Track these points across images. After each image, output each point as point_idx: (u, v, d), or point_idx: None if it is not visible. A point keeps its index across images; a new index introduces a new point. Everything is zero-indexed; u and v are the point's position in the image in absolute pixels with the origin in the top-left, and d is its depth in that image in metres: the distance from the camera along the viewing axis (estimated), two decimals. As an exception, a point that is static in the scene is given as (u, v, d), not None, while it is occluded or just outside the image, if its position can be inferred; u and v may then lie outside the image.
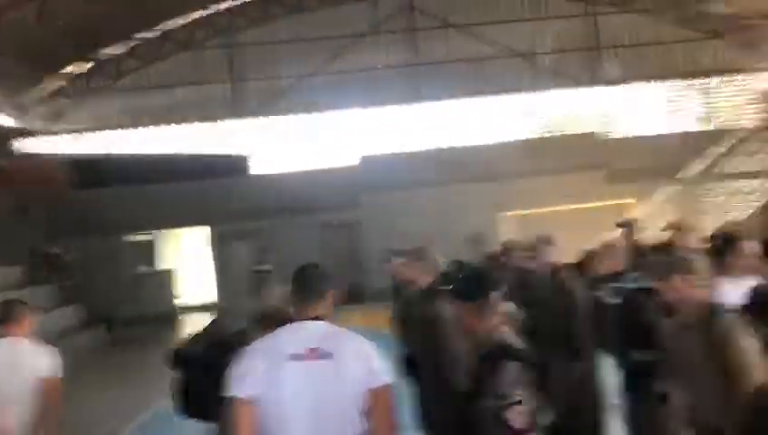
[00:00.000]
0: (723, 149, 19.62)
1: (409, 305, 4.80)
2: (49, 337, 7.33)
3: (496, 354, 2.68)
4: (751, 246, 4.34)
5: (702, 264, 3.51)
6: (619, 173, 18.64)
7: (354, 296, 16.06)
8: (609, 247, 5.13)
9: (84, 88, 20.81)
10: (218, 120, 21.44)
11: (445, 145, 21.31)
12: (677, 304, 3.57)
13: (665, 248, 6.49)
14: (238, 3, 20.97)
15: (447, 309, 4.24)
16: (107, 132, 21.36)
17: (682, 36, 21.54)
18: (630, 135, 21.38)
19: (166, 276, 19.57)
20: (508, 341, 2.79)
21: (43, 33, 16.15)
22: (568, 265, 5.87)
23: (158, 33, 20.84)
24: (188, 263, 21.45)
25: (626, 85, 22.07)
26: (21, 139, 19.89)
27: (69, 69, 20.36)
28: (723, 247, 4.46)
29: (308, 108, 21.39)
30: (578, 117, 22.35)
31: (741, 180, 19.61)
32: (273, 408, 2.71)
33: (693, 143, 19.83)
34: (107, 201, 18.37)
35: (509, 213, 18.44)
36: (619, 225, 7.85)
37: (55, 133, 20.97)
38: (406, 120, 21.90)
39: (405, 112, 21.91)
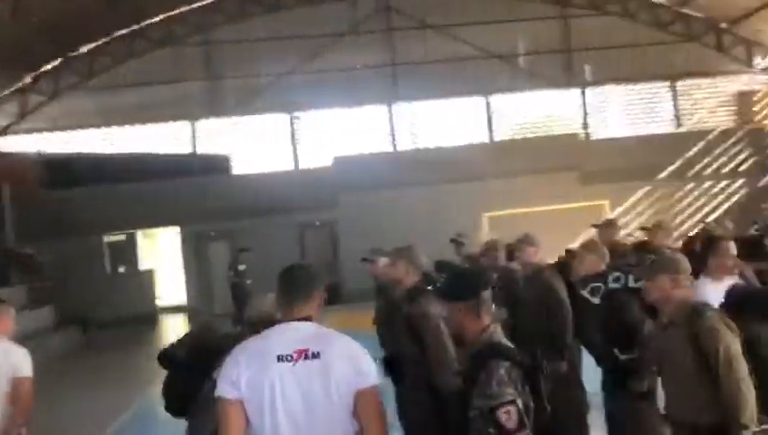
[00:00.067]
0: (695, 151, 19.90)
1: (393, 305, 4.80)
2: (21, 339, 7.23)
3: (487, 354, 2.69)
4: (730, 247, 4.42)
5: (687, 264, 3.57)
6: (594, 174, 18.83)
7: (332, 297, 16.01)
8: (590, 247, 5.17)
9: (56, 85, 20.50)
10: (195, 119, 21.27)
11: (422, 145, 21.42)
12: (661, 303, 3.63)
13: (643, 248, 6.62)
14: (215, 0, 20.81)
15: (434, 308, 4.26)
16: (80, 131, 21.07)
17: (655, 39, 21.83)
18: (605, 137, 21.66)
19: (145, 277, 19.33)
20: (499, 340, 2.80)
21: (17, 31, 15.89)
22: (550, 265, 5.93)
23: (132, 31, 20.59)
24: (168, 263, 21.24)
25: (600, 87, 22.33)
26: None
27: (40, 66, 20.07)
28: (704, 248, 4.54)
29: (286, 107, 21.32)
30: (554, 118, 22.57)
31: (714, 181, 19.90)
32: (262, 409, 2.69)
33: (666, 145, 20.09)
34: (81, 201, 18.10)
35: (485, 214, 18.54)
36: (596, 225, 7.96)
37: (26, 132, 20.66)
38: (384, 121, 21.93)
39: (383, 112, 21.94)
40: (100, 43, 20.45)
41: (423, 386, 4.19)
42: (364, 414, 2.73)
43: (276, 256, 16.94)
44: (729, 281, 4.22)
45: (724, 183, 19.86)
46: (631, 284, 4.36)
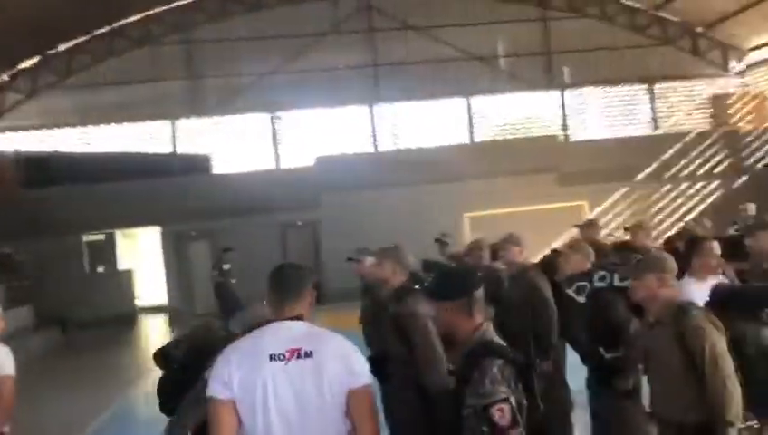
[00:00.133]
0: (672, 153, 20.15)
1: (380, 305, 4.81)
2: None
3: (480, 352, 2.71)
4: (714, 247, 4.49)
5: (674, 263, 3.63)
6: (573, 175, 18.99)
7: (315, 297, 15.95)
8: (576, 246, 5.22)
9: (33, 84, 20.24)
10: (175, 119, 21.12)
11: (403, 146, 21.47)
12: (647, 302, 3.68)
13: (625, 248, 6.70)
14: (196, -2, 20.70)
15: (422, 308, 4.28)
16: (58, 130, 20.83)
17: (633, 42, 22.09)
18: (584, 138, 21.86)
19: (124, 277, 19.14)
20: (491, 338, 2.82)
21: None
22: (534, 265, 5.98)
23: (111, 29, 20.39)
24: (148, 263, 21.06)
25: (579, 89, 22.54)
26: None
27: (18, 64, 19.82)
28: (687, 248, 4.61)
29: (267, 107, 21.24)
30: (533, 120, 22.74)
31: (690, 183, 20.16)
32: (254, 408, 2.68)
33: (643, 147, 20.32)
34: (59, 200, 17.87)
35: (466, 214, 18.62)
36: (578, 225, 8.04)
37: (4, 130, 20.39)
38: (365, 121, 21.95)
39: (364, 113, 21.95)
40: (79, 41, 20.25)
41: (411, 385, 4.21)
42: (357, 413, 2.74)
43: (258, 256, 16.92)
44: (713, 281, 4.29)
45: (699, 184, 20.12)
46: (617, 283, 4.41)
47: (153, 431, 4.14)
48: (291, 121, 21.77)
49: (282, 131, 21.74)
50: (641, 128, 22.74)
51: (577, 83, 22.33)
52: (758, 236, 5.16)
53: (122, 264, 19.89)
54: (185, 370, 3.38)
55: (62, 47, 20.18)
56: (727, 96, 22.41)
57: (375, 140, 21.88)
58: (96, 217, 18.10)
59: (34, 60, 20.11)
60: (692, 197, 20.03)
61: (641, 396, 4.51)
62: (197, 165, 20.03)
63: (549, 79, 22.22)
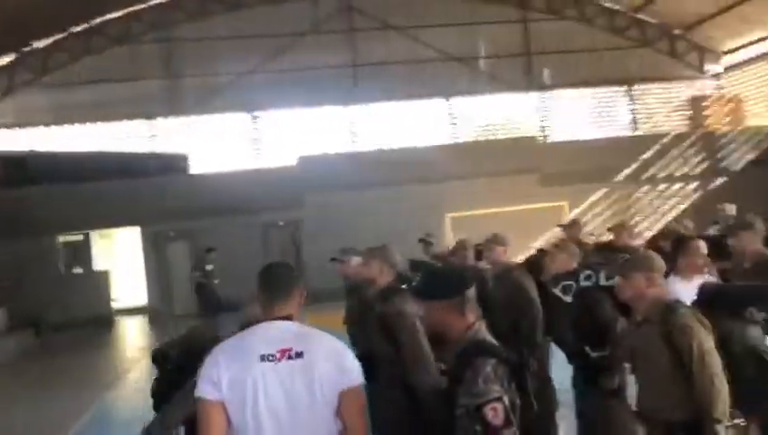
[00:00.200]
0: (651, 154, 20.34)
1: (366, 305, 4.77)
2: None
3: (472, 351, 2.69)
4: (701, 246, 4.51)
5: (661, 262, 3.63)
6: (553, 176, 19.09)
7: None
8: (562, 246, 5.23)
9: (9, 81, 19.94)
10: (153, 118, 20.92)
11: (384, 146, 21.44)
12: (635, 301, 3.69)
13: (608, 248, 6.74)
14: (175, -4, 20.52)
15: (409, 307, 4.25)
16: (34, 129, 20.54)
17: (612, 44, 22.28)
18: (564, 139, 22.00)
19: (101, 278, 18.88)
20: (484, 337, 2.80)
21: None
22: (519, 264, 5.98)
23: (89, 27, 20.14)
24: (125, 264, 20.82)
25: (558, 91, 22.69)
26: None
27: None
28: (674, 248, 4.62)
29: (246, 106, 21.12)
30: (514, 121, 22.84)
31: (668, 184, 20.35)
32: (244, 409, 2.65)
33: (623, 148, 20.49)
34: (34, 200, 17.58)
35: (448, 214, 18.63)
36: (561, 225, 8.08)
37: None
38: (345, 121, 21.91)
39: (344, 113, 21.91)
40: (56, 38, 19.99)
41: (398, 385, 4.17)
42: (348, 413, 2.72)
43: (239, 257, 16.85)
44: (699, 280, 4.31)
45: (678, 185, 20.33)
46: (602, 282, 4.42)
47: (133, 434, 4.09)
48: (270, 121, 21.67)
49: (261, 131, 21.63)
50: (620, 129, 22.94)
51: (556, 85, 22.48)
52: (740, 235, 5.19)
53: (99, 265, 19.63)
54: (179, 371, 3.33)
55: (38, 45, 19.91)
56: (704, 98, 22.70)
57: (356, 141, 21.84)
58: (73, 218, 17.86)
59: (10, 57, 19.81)
60: (670, 197, 20.23)
61: (627, 395, 4.53)
62: (176, 165, 19.82)
63: (529, 80, 22.36)
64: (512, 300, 5.40)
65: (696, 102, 22.74)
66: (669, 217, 18.98)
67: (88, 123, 20.75)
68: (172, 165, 19.55)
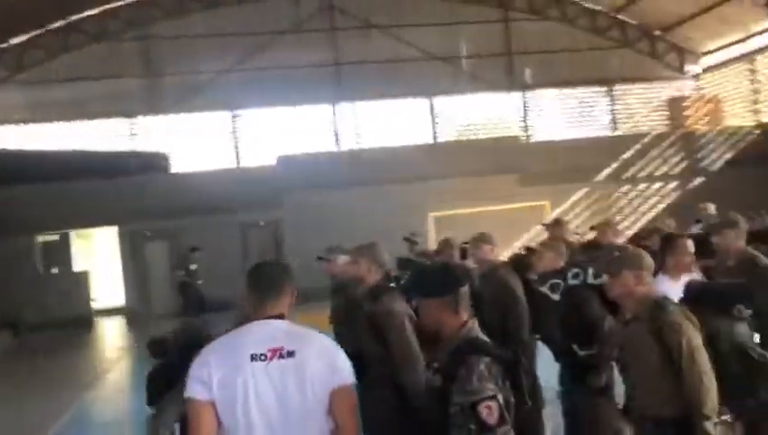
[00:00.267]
0: (631, 154, 20.50)
1: (354, 304, 4.74)
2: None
3: (466, 349, 2.67)
4: (689, 245, 4.53)
5: (650, 260, 3.64)
6: (534, 176, 19.17)
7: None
8: (549, 244, 5.23)
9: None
10: (132, 116, 20.71)
11: (366, 145, 21.42)
12: (624, 298, 3.69)
13: (592, 247, 6.76)
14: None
15: (398, 306, 4.23)
16: (8, 126, 20.22)
17: (593, 44, 22.44)
18: (545, 139, 22.13)
19: (80, 278, 18.63)
20: (477, 335, 2.78)
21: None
22: (505, 263, 5.98)
23: (66, 24, 19.89)
24: (104, 264, 20.59)
25: (540, 90, 22.80)
26: None
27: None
28: (662, 246, 4.64)
29: (227, 105, 20.97)
30: (495, 121, 22.92)
31: (648, 183, 20.53)
32: (235, 409, 2.62)
33: (603, 148, 20.64)
34: (11, 199, 17.30)
35: (431, 214, 18.62)
36: (545, 224, 8.09)
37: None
38: (327, 120, 21.84)
39: (326, 112, 21.84)
40: (31, 35, 19.71)
41: (387, 384, 4.16)
42: (339, 412, 2.71)
43: (219, 256, 16.77)
44: (686, 278, 4.33)
45: (657, 185, 20.51)
46: (590, 280, 4.42)
47: (112, 434, 4.02)
48: (251, 120, 21.54)
49: (242, 130, 21.50)
50: (600, 129, 23.11)
51: (538, 84, 22.59)
52: (724, 234, 5.23)
53: (78, 265, 19.39)
54: (177, 364, 3.24)
55: (13, 41, 19.62)
56: (683, 98, 22.93)
57: (337, 140, 21.79)
58: (50, 217, 17.62)
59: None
60: (650, 197, 20.41)
61: (614, 393, 4.54)
62: (155, 164, 19.64)
63: (510, 80, 22.44)
64: (498, 298, 5.40)
65: (675, 103, 22.96)
66: (649, 216, 19.16)
67: (65, 121, 20.49)
68: (152, 164, 19.37)
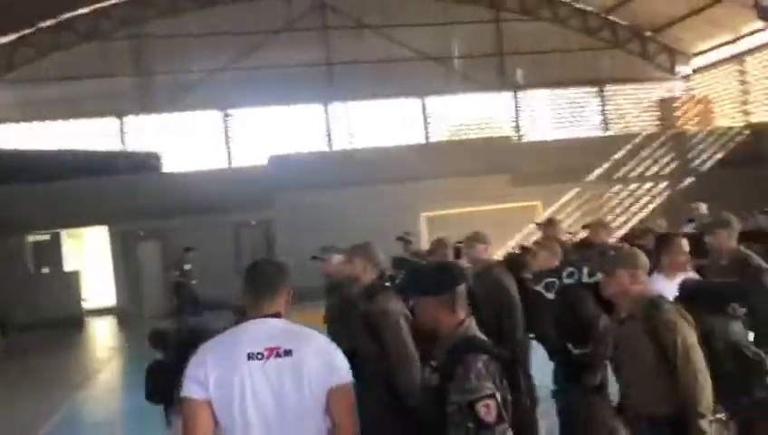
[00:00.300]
0: (622, 154, 20.57)
1: (349, 303, 4.74)
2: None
3: (464, 348, 2.67)
4: (684, 244, 4.54)
5: (645, 259, 3.65)
6: (526, 176, 19.21)
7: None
8: (544, 243, 5.24)
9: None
10: (124, 115, 20.62)
11: (358, 145, 21.42)
12: (619, 297, 3.69)
13: (585, 246, 6.77)
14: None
15: (393, 305, 4.22)
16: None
17: (584, 45, 22.51)
18: (536, 139, 22.19)
19: (71, 278, 18.52)
20: (474, 334, 2.78)
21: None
22: (499, 262, 5.99)
23: (58, 22, 19.77)
24: (95, 264, 20.47)
25: (531, 91, 22.85)
26: None
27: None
28: (657, 245, 4.65)
29: (219, 104, 20.91)
30: (487, 121, 22.96)
31: (639, 183, 20.60)
32: (231, 408, 2.60)
33: (594, 148, 20.71)
34: (2, 199, 17.19)
35: (423, 214, 18.62)
36: (538, 224, 8.10)
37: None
38: (319, 120, 21.82)
39: (318, 111, 21.82)
40: (22, 33, 19.59)
41: (382, 383, 4.15)
42: (336, 411, 2.70)
43: (211, 256, 16.70)
44: (682, 277, 4.34)
45: (648, 185, 20.59)
46: (585, 279, 4.43)
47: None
48: (243, 119, 21.50)
49: (234, 129, 21.45)
50: (592, 129, 23.19)
51: (529, 85, 22.64)
52: (717, 233, 5.24)
53: (69, 265, 19.28)
54: (178, 360, 3.18)
55: (4, 39, 19.48)
56: (674, 99, 23.03)
57: (329, 139, 21.77)
58: (41, 217, 17.51)
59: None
60: (641, 197, 20.49)
61: (608, 392, 4.55)
62: (147, 163, 19.58)
63: (502, 80, 22.48)
64: (492, 298, 5.40)
65: (666, 103, 23.06)
66: (640, 216, 19.24)
67: (56, 121, 20.38)
68: (144, 163, 19.30)
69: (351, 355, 4.52)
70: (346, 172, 18.48)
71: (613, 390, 4.55)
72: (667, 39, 22.85)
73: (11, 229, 17.34)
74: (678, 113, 22.47)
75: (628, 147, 20.70)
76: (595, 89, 23.26)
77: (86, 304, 19.10)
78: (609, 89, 23.26)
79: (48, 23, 19.72)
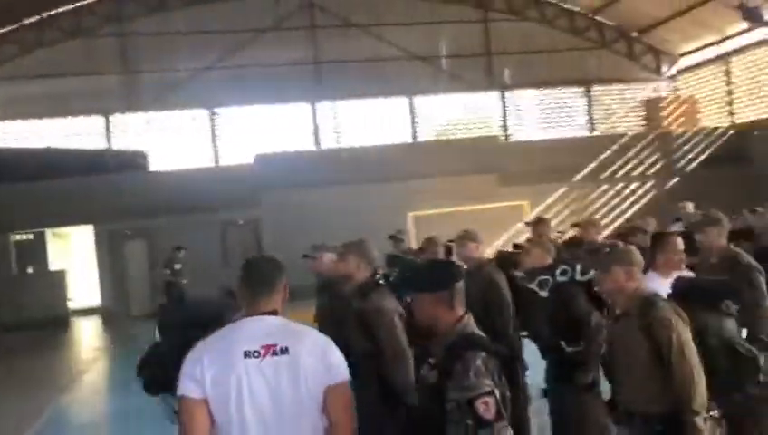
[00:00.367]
0: (608, 154, 20.66)
1: (343, 301, 4.72)
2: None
3: (462, 345, 2.65)
4: (679, 243, 4.55)
5: (640, 256, 3.65)
6: (513, 176, 19.26)
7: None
8: (537, 241, 5.24)
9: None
10: (110, 114, 20.46)
11: (345, 144, 21.39)
12: (614, 294, 3.69)
13: (574, 244, 6.79)
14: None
15: (387, 303, 4.21)
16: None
17: (571, 45, 22.61)
18: (524, 139, 22.26)
19: (56, 278, 18.34)
20: (473, 331, 2.77)
21: None
22: (490, 260, 5.99)
23: (41, 18, 19.58)
24: (82, 263, 20.28)
25: (519, 90, 22.92)
26: None
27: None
28: (652, 244, 4.66)
29: (206, 103, 20.80)
30: (474, 120, 23.00)
31: (625, 183, 20.71)
32: (228, 406, 2.58)
33: (581, 148, 20.79)
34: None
35: (410, 213, 18.61)
36: (528, 223, 8.11)
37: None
38: (306, 118, 21.76)
39: (305, 110, 21.76)
40: (5, 30, 19.37)
41: (376, 381, 4.14)
42: (334, 409, 2.68)
43: (198, 255, 16.58)
44: (676, 275, 4.35)
45: (635, 185, 20.70)
46: (578, 277, 4.44)
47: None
48: (230, 118, 21.40)
49: (221, 128, 21.35)
50: (578, 129, 23.29)
51: (517, 85, 22.70)
52: (707, 231, 5.25)
53: (55, 264, 19.10)
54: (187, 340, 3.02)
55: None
56: (660, 99, 23.18)
57: (317, 138, 21.72)
58: (25, 216, 17.32)
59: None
60: (627, 197, 20.60)
61: (601, 390, 4.56)
62: (133, 162, 19.43)
63: (489, 80, 22.53)
64: (484, 295, 5.39)
65: (651, 103, 23.20)
66: (626, 215, 19.34)
67: (41, 119, 20.18)
68: (130, 162, 19.15)
69: (345, 354, 4.52)
70: (333, 171, 18.44)
71: (605, 388, 4.57)
72: (653, 40, 22.99)
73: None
74: (664, 113, 22.61)
75: (615, 147, 20.80)
76: (582, 89, 23.37)
77: (72, 304, 18.92)
78: (596, 89, 23.38)
79: (31, 19, 19.50)
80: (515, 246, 6.30)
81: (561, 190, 20.12)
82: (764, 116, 20.60)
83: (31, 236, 18.67)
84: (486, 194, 18.85)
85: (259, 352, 2.61)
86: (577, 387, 4.46)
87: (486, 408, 2.51)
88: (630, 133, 21.88)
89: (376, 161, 18.79)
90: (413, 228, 18.04)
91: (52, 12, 19.62)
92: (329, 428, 2.69)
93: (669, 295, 3.88)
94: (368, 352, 4.16)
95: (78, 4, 19.77)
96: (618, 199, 20.50)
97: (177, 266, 14.90)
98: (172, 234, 16.96)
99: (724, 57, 21.74)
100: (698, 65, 22.77)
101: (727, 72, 21.96)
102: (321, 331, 5.30)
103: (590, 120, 23.44)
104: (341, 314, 4.62)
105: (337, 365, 2.71)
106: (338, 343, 4.83)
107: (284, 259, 6.21)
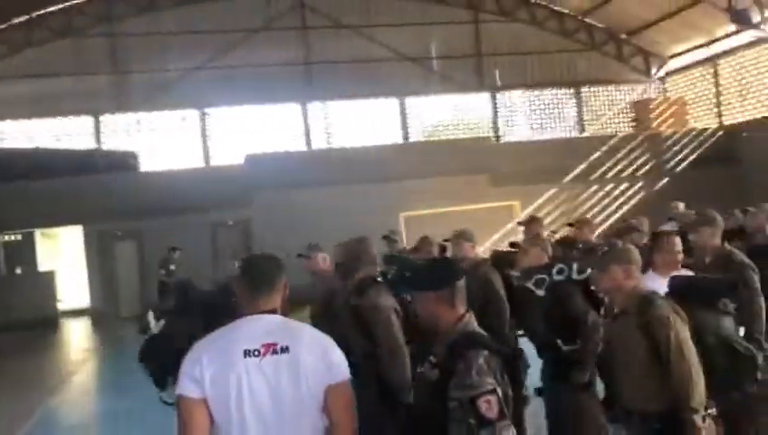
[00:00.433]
0: (598, 155, 20.73)
1: (337, 299, 4.70)
2: None
3: (464, 343, 2.65)
4: (677, 242, 4.57)
5: (638, 254, 3.66)
6: (504, 176, 19.29)
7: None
8: (534, 240, 5.25)
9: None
10: (100, 114, 20.33)
11: (336, 145, 21.37)
12: (612, 293, 3.70)
13: (567, 243, 6.80)
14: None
15: (384, 301, 4.20)
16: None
17: (561, 47, 22.70)
18: (514, 140, 22.31)
19: (45, 278, 18.18)
20: (474, 329, 2.76)
21: None
22: (486, 259, 5.99)
23: (30, 18, 19.43)
24: (71, 264, 20.14)
25: (509, 92, 22.97)
26: None
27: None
28: (651, 244, 4.67)
29: (196, 103, 20.71)
30: (465, 121, 23.03)
31: (615, 184, 20.78)
32: (228, 406, 2.56)
33: (571, 149, 20.85)
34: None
35: (402, 214, 18.59)
36: (521, 222, 8.12)
37: None
38: (297, 119, 21.72)
39: (296, 111, 21.72)
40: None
41: (372, 379, 4.13)
42: (334, 408, 2.67)
43: (188, 256, 16.49)
44: (674, 274, 4.36)
45: (624, 185, 20.79)
46: (575, 275, 4.45)
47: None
48: (221, 118, 21.33)
49: (211, 128, 21.27)
50: (568, 130, 23.37)
51: (507, 86, 22.76)
52: (701, 231, 5.28)
53: (44, 265, 18.95)
54: (210, 319, 2.94)
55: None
56: (649, 101, 23.28)
57: (308, 139, 21.68)
58: (14, 216, 17.17)
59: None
60: (618, 197, 20.68)
61: (596, 388, 4.57)
62: (123, 162, 19.30)
63: (480, 81, 22.57)
64: (480, 295, 5.39)
65: (641, 105, 23.30)
66: (617, 216, 19.42)
67: (30, 119, 20.02)
68: (120, 162, 19.03)
69: (346, 354, 4.51)
70: (324, 172, 18.41)
71: (599, 387, 4.58)
72: (643, 42, 23.10)
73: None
74: (653, 115, 22.70)
75: (605, 148, 20.87)
76: (572, 90, 23.44)
77: (61, 305, 18.78)
78: (586, 90, 23.48)
79: (20, 19, 19.35)
80: (512, 244, 6.29)
81: (552, 191, 20.17)
82: (752, 117, 20.75)
83: (20, 237, 18.54)
84: (477, 194, 18.88)
85: (259, 351, 2.59)
86: (573, 386, 4.46)
87: (489, 407, 2.50)
88: (620, 134, 21.96)
89: (366, 162, 18.77)
90: (404, 229, 18.03)
91: (42, 11, 19.46)
92: (329, 427, 2.67)
93: (667, 294, 3.89)
94: (368, 351, 4.16)
95: (67, 3, 19.63)
96: (608, 200, 20.57)
97: (173, 267, 14.87)
98: (162, 235, 16.87)
99: (712, 59, 21.86)
100: (687, 67, 22.88)
101: (716, 74, 22.08)
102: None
103: (580, 121, 23.52)
104: (336, 312, 4.61)
105: (338, 364, 2.69)
106: (336, 342, 4.83)
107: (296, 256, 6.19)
